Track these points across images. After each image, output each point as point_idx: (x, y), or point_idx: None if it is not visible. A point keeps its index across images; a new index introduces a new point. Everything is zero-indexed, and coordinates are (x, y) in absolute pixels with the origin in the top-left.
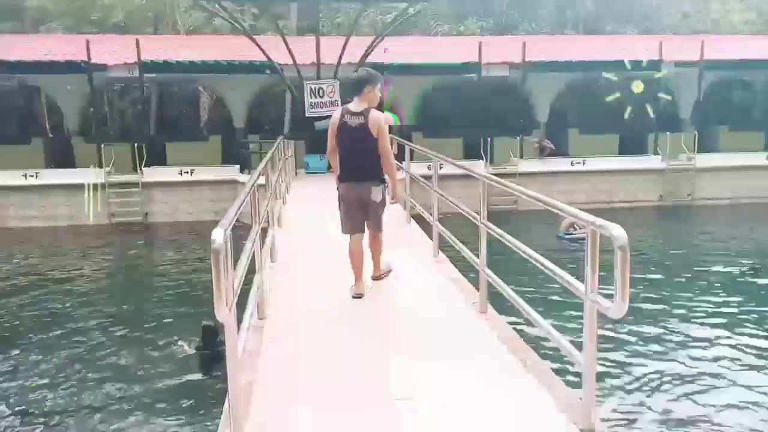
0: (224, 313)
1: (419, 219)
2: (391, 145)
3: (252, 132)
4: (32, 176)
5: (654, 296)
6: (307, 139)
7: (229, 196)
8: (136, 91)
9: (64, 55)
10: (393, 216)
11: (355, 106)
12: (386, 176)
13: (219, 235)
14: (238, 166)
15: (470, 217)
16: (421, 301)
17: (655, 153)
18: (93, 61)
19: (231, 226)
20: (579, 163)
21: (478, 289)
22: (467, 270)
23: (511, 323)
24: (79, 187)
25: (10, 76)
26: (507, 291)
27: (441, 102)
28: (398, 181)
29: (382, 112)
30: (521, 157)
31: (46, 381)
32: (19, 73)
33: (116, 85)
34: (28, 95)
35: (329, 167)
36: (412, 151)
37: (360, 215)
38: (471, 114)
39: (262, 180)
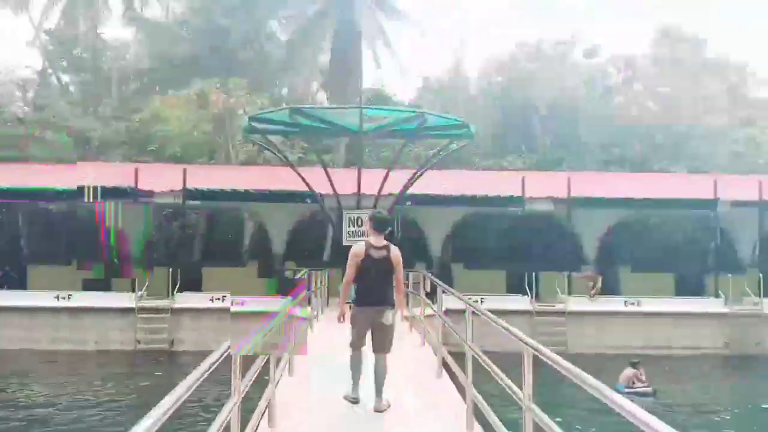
0: None
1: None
2: (424, 283)
3: (289, 258)
4: (64, 298)
5: None
6: (344, 268)
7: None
8: (182, 217)
9: (114, 181)
10: (422, 363)
11: (375, 240)
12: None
13: None
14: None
15: (512, 394)
16: None
17: (716, 295)
18: (140, 187)
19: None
20: (633, 303)
21: None
22: None
23: None
24: (108, 311)
25: (68, 202)
26: None
27: (483, 234)
28: (402, 305)
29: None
30: (569, 294)
31: None
32: (70, 199)
33: (165, 210)
34: (78, 220)
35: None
36: (443, 291)
37: (367, 334)
38: (514, 247)
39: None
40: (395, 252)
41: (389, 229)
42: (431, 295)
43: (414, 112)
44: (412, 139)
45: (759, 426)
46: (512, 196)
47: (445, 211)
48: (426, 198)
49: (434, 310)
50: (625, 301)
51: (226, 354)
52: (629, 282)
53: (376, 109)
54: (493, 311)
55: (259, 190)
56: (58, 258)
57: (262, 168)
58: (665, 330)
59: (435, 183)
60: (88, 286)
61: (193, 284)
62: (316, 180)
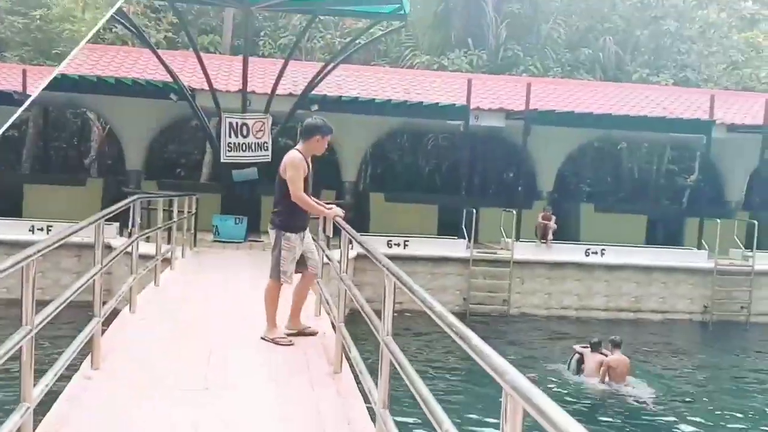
0: None
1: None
2: (325, 224)
3: (152, 177)
4: None
5: None
6: (222, 194)
7: None
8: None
9: None
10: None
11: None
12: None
13: None
14: (116, 225)
15: None
16: None
17: (699, 246)
18: None
19: None
20: (596, 253)
21: None
22: None
23: None
24: None
25: None
26: None
27: (412, 155)
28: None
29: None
30: (517, 238)
31: None
32: None
33: None
34: None
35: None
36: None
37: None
38: (452, 174)
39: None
40: (285, 158)
41: (316, 136)
42: (333, 238)
43: None
44: (322, 15)
45: (737, 407)
46: (454, 104)
47: (363, 120)
48: (338, 102)
49: (332, 264)
50: (587, 250)
51: None
52: (591, 224)
53: None
54: (417, 258)
55: (99, 77)
56: None
57: (112, 49)
58: (634, 288)
59: (351, 83)
60: None
61: (12, 208)
62: (189, 70)
